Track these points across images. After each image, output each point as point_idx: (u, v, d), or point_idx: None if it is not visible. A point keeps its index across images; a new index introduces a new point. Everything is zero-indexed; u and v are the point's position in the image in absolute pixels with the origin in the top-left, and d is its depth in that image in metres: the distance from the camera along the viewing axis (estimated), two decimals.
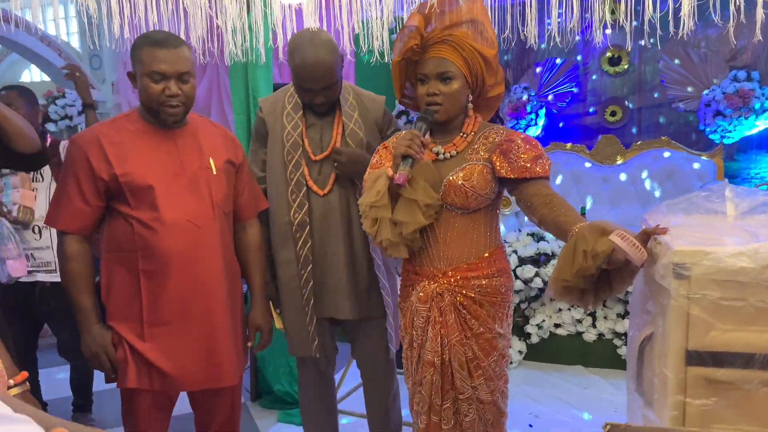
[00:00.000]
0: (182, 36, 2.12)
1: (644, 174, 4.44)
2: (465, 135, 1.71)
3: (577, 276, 1.41)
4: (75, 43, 7.35)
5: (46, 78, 7.05)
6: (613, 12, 2.02)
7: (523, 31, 2.06)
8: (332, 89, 1.94)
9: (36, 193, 2.73)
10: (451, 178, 1.66)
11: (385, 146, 1.80)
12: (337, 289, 2.02)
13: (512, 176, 1.63)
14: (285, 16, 2.34)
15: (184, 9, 2.04)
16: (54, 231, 2.55)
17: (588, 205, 4.53)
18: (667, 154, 4.39)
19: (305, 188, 1.98)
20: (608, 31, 4.29)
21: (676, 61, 4.51)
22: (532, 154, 1.63)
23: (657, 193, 4.32)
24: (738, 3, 1.67)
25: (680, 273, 1.30)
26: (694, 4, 1.76)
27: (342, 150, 1.95)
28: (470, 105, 1.73)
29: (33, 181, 2.75)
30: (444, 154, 1.70)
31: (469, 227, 1.69)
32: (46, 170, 2.73)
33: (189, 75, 1.73)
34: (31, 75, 7.96)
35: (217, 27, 2.20)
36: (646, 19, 1.90)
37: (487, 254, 1.71)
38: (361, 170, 1.87)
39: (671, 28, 1.80)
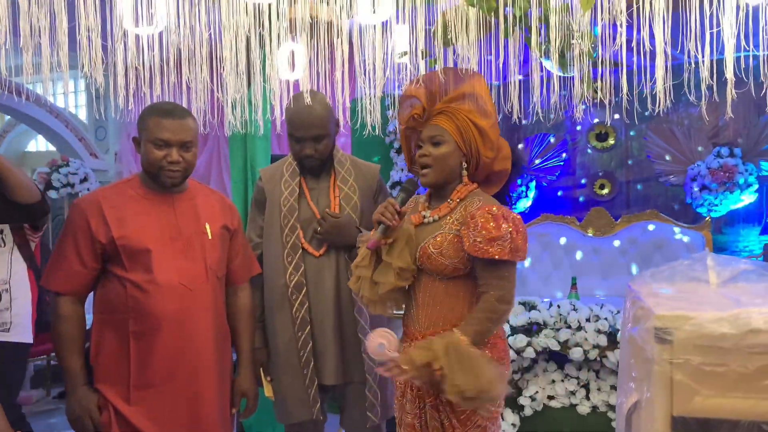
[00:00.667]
0: (184, 107, 2.23)
1: (633, 246, 4.50)
2: (450, 201, 1.76)
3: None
4: (82, 115, 7.59)
5: (52, 148, 7.23)
6: (595, 91, 2.15)
7: (506, 107, 2.16)
8: (322, 143, 2.05)
9: None
10: (423, 245, 1.71)
11: None
12: (324, 353, 2.03)
13: (468, 252, 1.64)
14: (282, 90, 2.46)
15: (187, 83, 2.15)
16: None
17: (581, 276, 4.56)
18: (654, 227, 4.47)
19: (301, 251, 2.03)
20: (590, 110, 4.48)
21: (661, 138, 4.68)
22: (488, 234, 1.61)
23: (646, 266, 4.36)
24: (708, 83, 1.78)
25: (662, 338, 1.33)
26: (669, 85, 1.87)
27: (326, 217, 2.02)
28: (464, 173, 1.77)
29: None
30: (429, 218, 1.77)
31: (448, 293, 1.71)
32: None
33: (191, 144, 1.81)
34: (37, 145, 8.16)
35: (218, 100, 2.32)
36: (625, 97, 2.01)
37: (462, 322, 1.69)
38: (345, 238, 1.95)
39: (648, 105, 1.91)
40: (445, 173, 1.75)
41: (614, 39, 1.91)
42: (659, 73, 1.84)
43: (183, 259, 1.81)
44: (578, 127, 4.92)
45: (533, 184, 5.04)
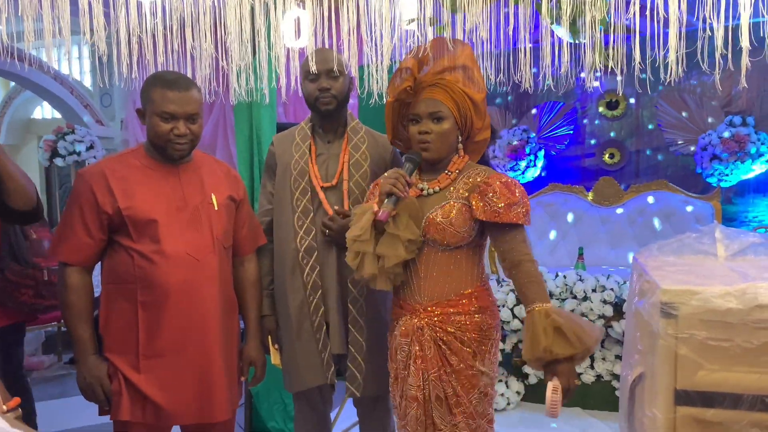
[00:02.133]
0: (188, 75, 2.20)
1: (642, 216, 4.48)
2: (449, 173, 1.76)
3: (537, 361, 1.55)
4: (87, 81, 7.54)
5: (58, 115, 7.21)
6: (607, 57, 2.10)
7: (516, 75, 2.13)
8: (338, 81, 2.02)
9: None
10: (430, 215, 1.71)
11: (377, 184, 1.86)
12: (332, 320, 2.03)
13: (484, 218, 1.67)
14: (289, 58, 2.42)
15: (191, 51, 2.12)
16: None
17: (589, 246, 4.56)
18: (663, 197, 4.44)
19: (312, 214, 2.02)
20: (599, 76, 4.40)
21: (673, 107, 4.60)
22: (507, 200, 1.65)
23: (654, 237, 4.35)
24: (723, 51, 1.73)
25: (668, 312, 1.32)
26: (683, 53, 1.83)
27: (335, 218, 1.99)
28: (460, 146, 1.79)
29: None
30: (428, 190, 1.76)
31: (450, 264, 1.72)
32: None
33: (197, 116, 1.79)
34: (43, 112, 8.14)
35: (223, 68, 2.29)
36: (637, 66, 1.96)
37: (468, 291, 1.73)
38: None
39: (661, 75, 1.87)
40: (446, 148, 1.75)
41: (627, 5, 1.86)
42: (672, 41, 1.79)
43: (189, 230, 1.81)
44: (588, 94, 4.85)
45: (542, 153, 5.00)
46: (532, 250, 1.69)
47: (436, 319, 1.71)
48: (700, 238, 1.62)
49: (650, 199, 4.49)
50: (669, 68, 1.82)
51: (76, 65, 7.68)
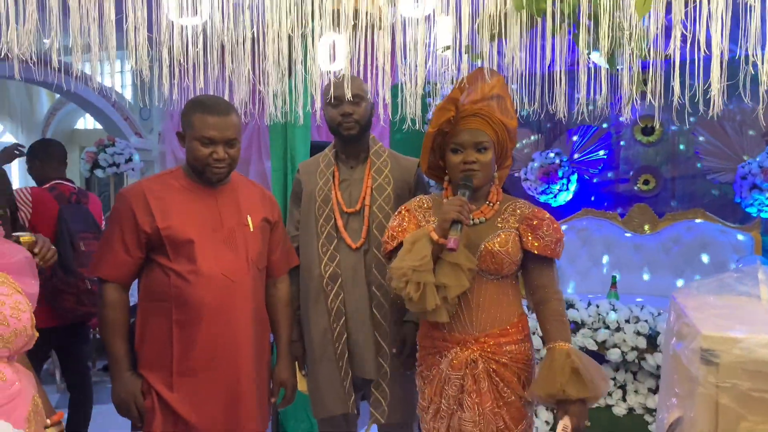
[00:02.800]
0: (225, 98, 2.25)
1: (677, 245, 4.38)
2: (491, 204, 1.79)
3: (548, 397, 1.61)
4: (128, 94, 7.75)
5: (99, 126, 7.42)
6: (644, 83, 2.06)
7: (550, 105, 2.11)
8: (360, 106, 2.04)
9: None
10: (487, 244, 1.71)
11: (408, 209, 1.84)
12: (360, 346, 2.03)
13: (537, 252, 1.70)
14: (323, 81, 2.45)
15: (230, 76, 2.16)
16: None
17: (622, 273, 4.46)
18: (701, 226, 4.33)
19: (336, 240, 2.03)
20: (637, 102, 4.34)
21: (711, 133, 4.51)
22: (556, 237, 1.72)
23: (690, 267, 4.24)
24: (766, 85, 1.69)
25: (708, 359, 1.27)
26: (723, 86, 1.79)
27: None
28: (496, 175, 1.80)
29: None
30: (473, 220, 1.76)
31: (500, 293, 1.74)
32: None
33: (236, 140, 1.83)
34: (86, 123, 8.38)
35: (259, 91, 2.33)
36: (677, 96, 1.92)
37: (515, 320, 1.75)
38: None
39: (701, 107, 1.83)
40: (488, 177, 1.78)
41: (668, 38, 1.82)
42: (715, 74, 1.76)
43: (225, 251, 1.84)
44: (623, 120, 4.78)
45: (575, 177, 4.94)
46: (560, 285, 1.74)
47: (488, 350, 1.71)
48: (742, 278, 1.57)
49: (686, 228, 4.39)
50: (711, 102, 1.79)
51: (118, 78, 7.91)
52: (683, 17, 1.69)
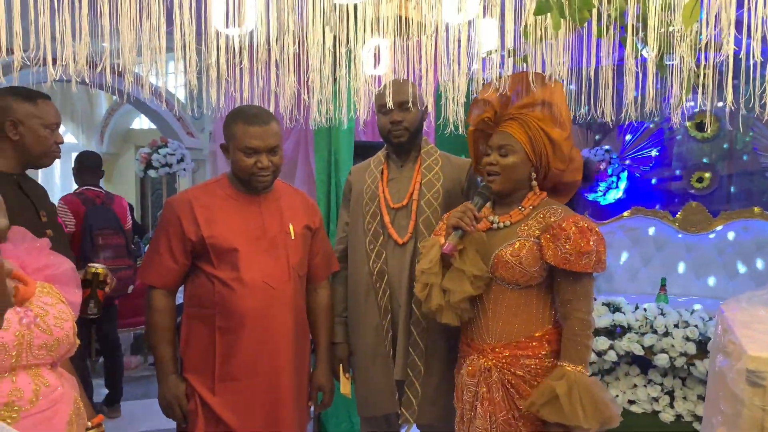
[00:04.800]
0: (272, 107, 2.30)
1: (732, 245, 4.22)
2: (522, 209, 1.74)
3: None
4: (180, 94, 7.97)
5: (153, 126, 7.67)
6: (697, 76, 1.99)
7: (596, 104, 2.07)
8: (410, 112, 2.04)
9: None
10: (499, 252, 1.68)
11: (449, 215, 1.85)
12: (398, 345, 2.04)
13: (553, 263, 1.63)
14: (367, 86, 2.47)
15: (275, 86, 2.20)
16: None
17: (676, 275, 4.33)
18: (758, 225, 4.16)
19: (382, 237, 2.05)
20: (688, 103, 4.19)
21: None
22: (579, 248, 1.60)
23: (744, 268, 4.08)
24: None
25: (755, 381, 1.24)
26: None
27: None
28: (534, 183, 1.75)
29: None
30: (498, 224, 1.74)
31: (520, 303, 1.69)
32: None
33: (278, 147, 1.87)
34: (141, 123, 8.67)
35: (304, 98, 2.36)
36: (729, 99, 1.85)
37: (538, 333, 1.69)
38: None
39: (757, 109, 1.76)
40: (512, 182, 1.73)
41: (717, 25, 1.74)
42: None
43: (267, 258, 1.88)
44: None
45: (625, 174, 4.83)
46: (590, 305, 1.65)
47: (504, 361, 1.68)
48: None
49: (742, 228, 4.22)
50: (766, 106, 1.72)
51: (171, 78, 8.14)
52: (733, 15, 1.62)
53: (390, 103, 2.00)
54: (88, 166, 3.82)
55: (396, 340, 2.04)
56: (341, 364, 2.13)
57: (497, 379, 1.68)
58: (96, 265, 1.84)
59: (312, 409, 2.08)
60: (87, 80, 1.83)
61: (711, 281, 4.18)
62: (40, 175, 7.33)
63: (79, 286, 1.43)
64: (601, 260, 1.64)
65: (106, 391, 3.83)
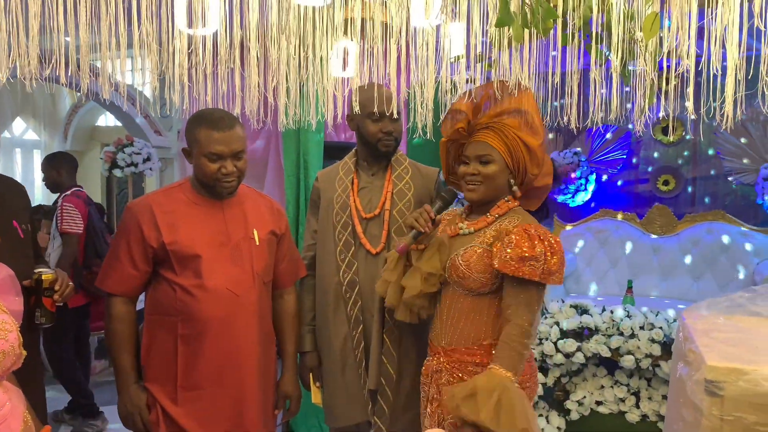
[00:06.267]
0: (237, 109, 2.25)
1: (696, 247, 4.31)
2: (488, 216, 1.73)
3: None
4: (147, 92, 7.82)
5: (119, 123, 7.50)
6: (659, 87, 2.01)
7: (562, 117, 2.08)
8: (398, 122, 2.07)
9: (48, 236, 3.70)
10: (452, 257, 1.70)
11: None
12: (371, 354, 2.03)
13: (496, 267, 1.60)
14: (336, 88, 2.44)
15: (240, 87, 2.16)
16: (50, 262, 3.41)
17: (642, 276, 4.40)
18: (721, 228, 4.26)
19: (353, 247, 2.03)
20: (652, 109, 4.26)
21: (733, 134, 4.42)
22: (521, 252, 1.57)
23: (708, 270, 4.17)
24: None
25: (713, 391, 1.24)
26: (741, 94, 1.73)
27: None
28: (515, 189, 1.74)
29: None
30: (464, 230, 1.75)
31: (471, 310, 1.68)
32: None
33: (243, 152, 1.83)
34: (107, 120, 8.48)
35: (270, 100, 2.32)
36: (690, 109, 1.87)
37: (487, 342, 1.67)
38: None
39: (717, 117, 1.78)
40: (493, 190, 1.73)
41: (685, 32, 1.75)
42: (730, 88, 1.70)
43: (231, 265, 1.84)
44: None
45: (593, 177, 4.89)
46: (533, 315, 1.60)
47: (453, 365, 1.69)
48: (754, 298, 1.53)
49: (706, 230, 4.31)
50: (726, 116, 1.74)
51: (137, 75, 7.98)
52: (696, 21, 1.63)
53: (381, 111, 1.99)
54: (73, 167, 3.79)
55: (368, 350, 2.02)
56: (311, 373, 2.10)
57: (446, 382, 1.68)
58: (43, 269, 1.76)
59: (280, 417, 2.05)
60: (39, 77, 1.77)
61: (676, 282, 4.26)
62: None
63: (20, 294, 1.38)
64: (552, 271, 1.59)
65: (68, 397, 3.72)
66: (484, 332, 1.68)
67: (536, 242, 1.58)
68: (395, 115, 2.04)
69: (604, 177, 4.91)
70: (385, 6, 2.06)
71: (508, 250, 1.58)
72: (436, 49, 2.06)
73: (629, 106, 2.25)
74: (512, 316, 1.59)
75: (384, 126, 2.03)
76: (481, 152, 1.70)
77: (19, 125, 7.79)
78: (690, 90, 1.71)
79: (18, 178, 7.78)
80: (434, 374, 1.73)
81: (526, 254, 1.56)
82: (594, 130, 4.92)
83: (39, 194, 7.08)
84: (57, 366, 3.61)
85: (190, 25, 2.02)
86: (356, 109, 1.99)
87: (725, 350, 1.30)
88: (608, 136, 4.86)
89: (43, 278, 1.74)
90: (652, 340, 3.12)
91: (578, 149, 4.93)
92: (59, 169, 3.71)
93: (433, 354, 1.76)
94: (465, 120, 1.74)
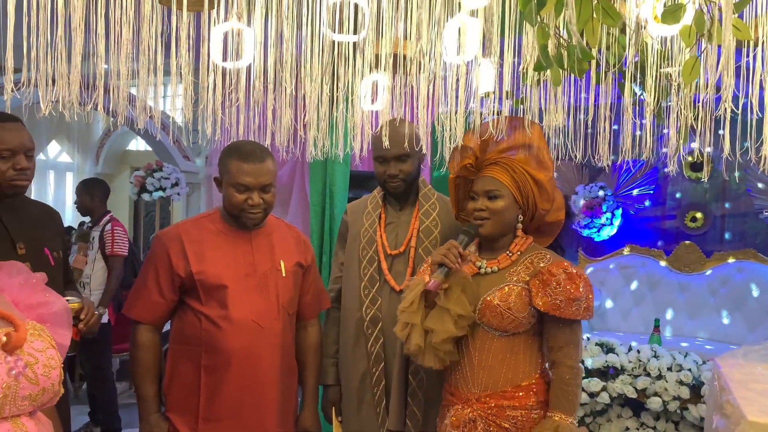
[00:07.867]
0: (268, 141, 2.28)
1: (725, 286, 4.21)
2: (510, 254, 1.72)
3: None
4: (179, 118, 7.98)
5: (149, 148, 7.66)
6: (695, 119, 1.99)
7: (592, 150, 2.07)
8: (407, 163, 2.01)
9: (86, 259, 3.79)
10: (487, 297, 1.66)
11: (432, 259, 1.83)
12: (391, 394, 2.00)
13: (543, 309, 1.61)
14: (364, 120, 2.46)
15: (272, 121, 2.20)
16: (92, 286, 3.68)
17: (668, 315, 4.30)
18: (751, 267, 4.16)
19: (378, 283, 2.02)
20: (692, 145, 4.21)
21: (764, 171, 4.35)
22: (569, 294, 1.59)
23: (736, 310, 4.07)
24: None
25: None
26: None
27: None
28: (519, 225, 1.75)
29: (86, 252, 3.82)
30: (486, 269, 1.72)
31: (506, 351, 1.66)
32: (96, 241, 3.76)
33: (271, 186, 1.85)
34: (137, 144, 8.65)
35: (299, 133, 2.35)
36: (726, 150, 1.84)
37: (525, 383, 1.65)
38: None
39: (752, 156, 1.76)
40: (502, 226, 1.72)
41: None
42: (767, 130, 1.68)
43: (257, 296, 1.85)
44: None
45: (619, 212, 4.83)
46: (580, 353, 1.63)
47: (489, 411, 1.64)
48: None
49: (736, 269, 4.22)
50: (762, 158, 1.71)
51: (168, 101, 8.14)
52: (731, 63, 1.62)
53: (384, 153, 1.99)
54: (106, 194, 3.98)
55: (389, 389, 2.00)
56: (333, 408, 2.08)
57: (482, 431, 1.64)
58: (69, 298, 1.79)
59: None
60: (78, 104, 1.81)
61: (703, 322, 4.16)
62: (33, 193, 7.29)
63: (71, 328, 1.39)
64: (590, 307, 1.63)
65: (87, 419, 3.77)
66: (522, 372, 1.66)
67: (579, 282, 1.61)
68: (403, 156, 1.99)
69: (631, 211, 4.85)
70: (417, 42, 2.09)
71: (557, 292, 1.59)
72: (466, 84, 2.07)
73: (659, 140, 2.22)
74: (563, 359, 1.61)
75: (388, 169, 2.02)
76: (489, 187, 1.70)
77: (53, 148, 8.00)
78: (726, 132, 1.69)
79: (50, 199, 7.97)
80: (468, 425, 1.66)
81: (573, 296, 1.58)
82: (620, 163, 4.88)
83: (69, 215, 7.21)
84: (100, 386, 3.89)
85: (225, 58, 2.07)
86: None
87: (766, 404, 1.26)
88: (634, 170, 4.81)
89: (73, 306, 1.76)
90: (681, 383, 3.03)
91: (604, 183, 4.89)
92: (93, 194, 3.88)
93: (462, 402, 1.69)
94: (473, 156, 1.75)
